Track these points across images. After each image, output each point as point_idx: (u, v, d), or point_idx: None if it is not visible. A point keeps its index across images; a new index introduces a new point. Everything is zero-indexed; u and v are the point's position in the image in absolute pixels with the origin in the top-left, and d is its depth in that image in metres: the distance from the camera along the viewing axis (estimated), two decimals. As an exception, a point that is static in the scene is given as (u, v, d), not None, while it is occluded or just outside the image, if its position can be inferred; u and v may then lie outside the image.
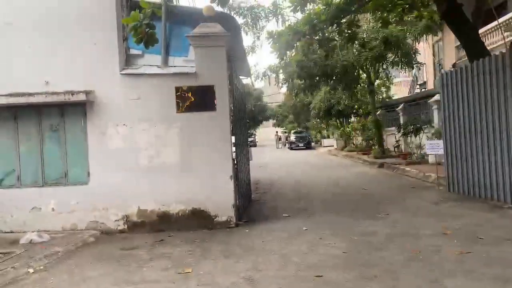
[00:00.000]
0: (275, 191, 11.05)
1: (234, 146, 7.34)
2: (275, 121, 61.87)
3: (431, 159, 14.16)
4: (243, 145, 8.89)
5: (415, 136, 15.35)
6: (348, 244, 5.48)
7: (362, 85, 20.84)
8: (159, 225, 6.80)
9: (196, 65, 6.89)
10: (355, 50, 15.90)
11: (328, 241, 5.68)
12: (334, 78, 17.52)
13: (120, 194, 6.82)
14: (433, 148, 10.14)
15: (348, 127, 26.11)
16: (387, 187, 10.68)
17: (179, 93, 6.84)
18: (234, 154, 7.21)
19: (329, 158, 24.58)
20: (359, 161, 20.02)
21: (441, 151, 9.92)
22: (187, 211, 6.80)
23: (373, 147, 20.77)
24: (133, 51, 7.27)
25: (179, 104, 6.83)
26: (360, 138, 24.27)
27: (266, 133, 65.38)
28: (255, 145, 50.22)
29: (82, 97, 6.73)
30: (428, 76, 20.52)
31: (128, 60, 7.23)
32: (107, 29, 6.90)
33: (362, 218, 7.00)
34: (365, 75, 19.49)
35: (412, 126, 15.29)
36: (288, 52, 12.88)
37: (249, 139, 46.51)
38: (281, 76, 19.20)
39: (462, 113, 8.59)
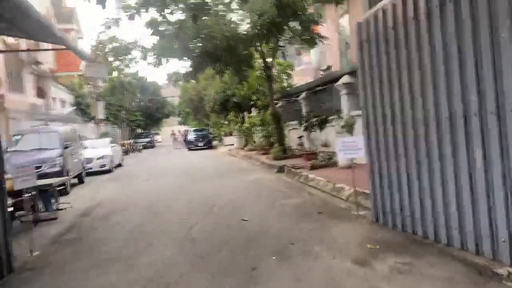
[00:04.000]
0: (96, 235, 6.42)
1: None
2: (180, 118, 56.55)
3: (341, 161, 10.68)
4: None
5: (320, 130, 11.84)
6: None
7: (257, 70, 17.01)
8: None
9: None
10: (236, 19, 11.78)
11: None
12: (219, 57, 13.24)
13: None
14: (348, 149, 6.37)
15: (247, 122, 22.23)
16: (282, 214, 6.67)
17: None
18: None
19: (227, 159, 20.49)
20: (257, 163, 16.19)
21: (360, 154, 6.21)
22: None
23: (274, 146, 17.09)
24: None
25: None
26: (260, 135, 20.54)
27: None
28: (152, 146, 44.71)
29: None
30: (333, 58, 17.45)
31: None
32: None
33: None
34: (259, 56, 15.65)
35: (315, 118, 11.75)
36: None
37: (146, 140, 41.21)
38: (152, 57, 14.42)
39: (396, 89, 4.86)
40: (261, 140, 20.44)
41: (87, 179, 14.88)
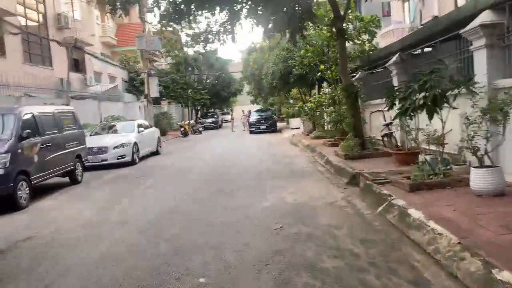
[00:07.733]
0: None
1: None
2: (252, 97, 52.42)
3: (477, 180, 5.24)
4: None
5: (431, 115, 6.35)
6: None
7: (325, 25, 11.69)
8: None
9: None
10: None
11: None
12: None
13: None
14: None
15: (312, 101, 16.90)
16: None
17: None
18: None
19: (284, 151, 15.48)
20: (321, 160, 11.10)
21: None
22: None
23: (349, 135, 11.75)
24: None
25: None
26: (328, 119, 15.21)
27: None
28: (217, 127, 41.27)
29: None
30: (442, 5, 11.44)
31: None
32: None
33: None
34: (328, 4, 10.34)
35: (421, 93, 6.28)
36: None
37: (210, 120, 37.92)
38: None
39: None
40: (329, 126, 15.17)
41: (90, 175, 11.21)
